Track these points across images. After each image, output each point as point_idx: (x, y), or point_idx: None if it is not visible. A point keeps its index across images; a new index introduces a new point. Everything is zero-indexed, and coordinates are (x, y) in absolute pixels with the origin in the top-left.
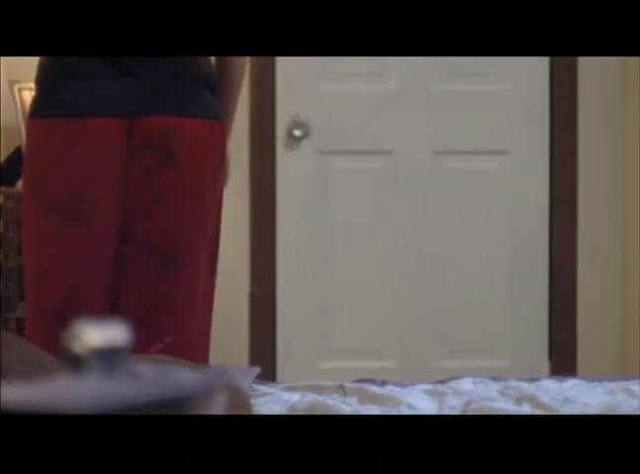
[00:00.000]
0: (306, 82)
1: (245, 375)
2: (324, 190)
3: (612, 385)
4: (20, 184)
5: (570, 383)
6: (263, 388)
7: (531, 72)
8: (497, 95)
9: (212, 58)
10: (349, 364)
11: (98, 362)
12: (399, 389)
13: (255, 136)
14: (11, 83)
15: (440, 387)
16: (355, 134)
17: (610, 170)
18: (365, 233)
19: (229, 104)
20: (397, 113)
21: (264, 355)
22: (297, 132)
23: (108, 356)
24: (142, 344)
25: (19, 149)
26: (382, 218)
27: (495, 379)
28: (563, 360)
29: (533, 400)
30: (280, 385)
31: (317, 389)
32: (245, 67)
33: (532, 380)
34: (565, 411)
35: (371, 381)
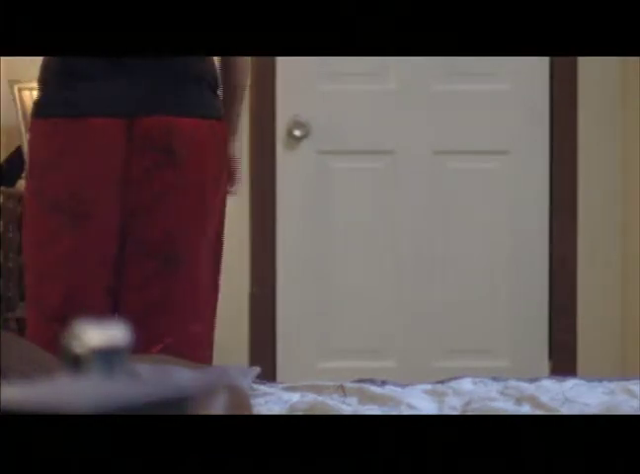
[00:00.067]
0: (306, 82)
1: (245, 375)
2: (324, 190)
3: (612, 385)
4: (20, 184)
5: (570, 383)
6: (263, 388)
7: (531, 72)
8: (497, 95)
9: (215, 59)
10: (349, 364)
11: (98, 362)
12: (399, 389)
13: (255, 136)
14: (11, 83)
15: (439, 387)
16: (355, 134)
17: (610, 170)
18: (365, 233)
19: (234, 105)
20: (397, 113)
21: (264, 355)
22: (297, 132)
23: (108, 356)
24: (143, 344)
25: (19, 149)
26: (382, 218)
27: (495, 379)
28: (563, 360)
29: (533, 400)
30: (280, 385)
31: (317, 389)
32: (249, 67)
33: (532, 380)
34: (565, 411)
35: (371, 381)
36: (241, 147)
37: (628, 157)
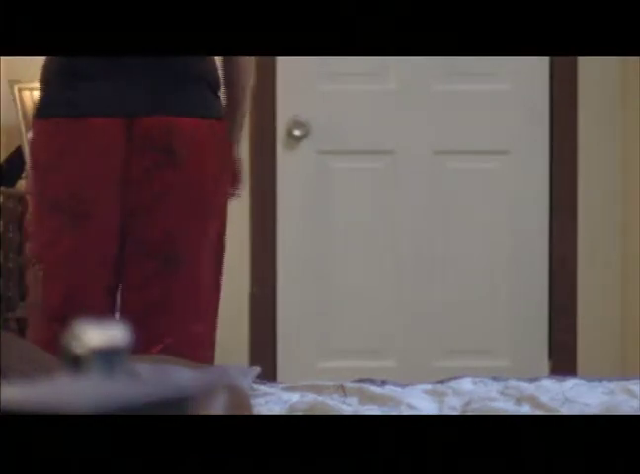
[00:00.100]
0: (306, 82)
1: (245, 375)
2: (324, 190)
3: (612, 385)
4: (20, 184)
5: (570, 383)
6: (263, 388)
7: (531, 72)
8: (497, 95)
9: (218, 59)
10: (349, 364)
11: (98, 362)
12: (399, 389)
13: (255, 136)
14: (11, 83)
15: (439, 387)
16: (355, 134)
17: (610, 170)
18: (365, 233)
19: (239, 105)
20: (397, 113)
21: (264, 355)
22: (297, 132)
23: (108, 356)
24: (143, 344)
25: (19, 149)
26: (382, 218)
27: (495, 379)
28: (563, 360)
29: (533, 400)
30: (280, 385)
31: (317, 389)
32: (253, 67)
33: (532, 380)
34: (565, 411)
35: (371, 381)
36: (240, 147)
37: (628, 157)
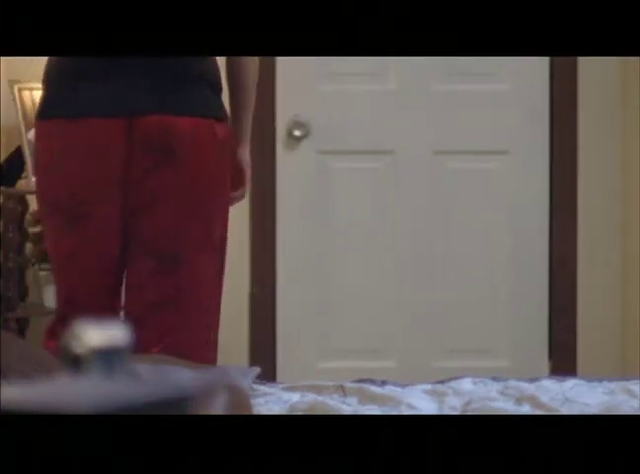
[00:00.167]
0: (306, 82)
1: (245, 375)
2: (324, 190)
3: (612, 385)
4: (20, 184)
5: (570, 383)
6: (263, 388)
7: (531, 72)
8: (497, 95)
9: (221, 60)
10: (349, 364)
11: (98, 362)
12: (399, 389)
13: (255, 136)
14: (11, 83)
15: (439, 387)
16: (355, 134)
17: (610, 170)
18: (365, 233)
19: (244, 107)
20: (397, 113)
21: (264, 355)
22: (297, 132)
23: (108, 356)
24: (143, 344)
25: (19, 149)
26: (382, 218)
27: (495, 379)
28: (563, 360)
29: (533, 400)
30: (280, 385)
31: (317, 389)
32: (256, 67)
33: (532, 380)
34: (565, 411)
35: (371, 381)
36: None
37: (628, 157)
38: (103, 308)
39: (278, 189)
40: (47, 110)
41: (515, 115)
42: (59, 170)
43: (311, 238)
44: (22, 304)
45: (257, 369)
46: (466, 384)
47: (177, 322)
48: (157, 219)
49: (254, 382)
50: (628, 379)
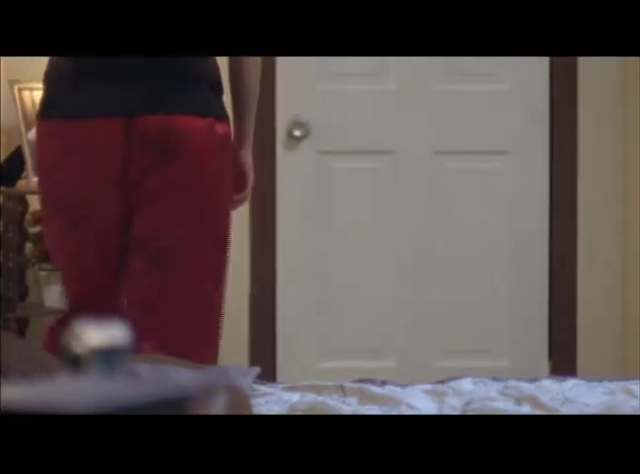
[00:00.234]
0: (306, 82)
1: (245, 375)
2: (324, 190)
3: (612, 385)
4: (20, 184)
5: (570, 383)
6: (263, 388)
7: (531, 72)
8: (497, 95)
9: (223, 60)
10: (349, 364)
11: (98, 362)
12: (399, 389)
13: (255, 136)
14: (11, 83)
15: (439, 387)
16: (355, 134)
17: (610, 170)
18: (365, 233)
19: (245, 106)
20: (397, 113)
21: (264, 355)
22: (297, 132)
23: (108, 356)
24: (137, 343)
25: (19, 149)
26: (382, 218)
27: (495, 379)
28: (563, 360)
29: (533, 400)
30: (280, 385)
31: (317, 389)
32: (259, 67)
33: (532, 380)
34: (565, 411)
35: (371, 381)
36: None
37: (628, 157)
38: (105, 308)
39: (278, 189)
40: (48, 110)
41: (515, 115)
42: (60, 170)
43: (311, 238)
44: (22, 304)
45: (257, 369)
46: (466, 384)
47: (163, 321)
48: (155, 218)
49: (254, 382)
50: (628, 379)
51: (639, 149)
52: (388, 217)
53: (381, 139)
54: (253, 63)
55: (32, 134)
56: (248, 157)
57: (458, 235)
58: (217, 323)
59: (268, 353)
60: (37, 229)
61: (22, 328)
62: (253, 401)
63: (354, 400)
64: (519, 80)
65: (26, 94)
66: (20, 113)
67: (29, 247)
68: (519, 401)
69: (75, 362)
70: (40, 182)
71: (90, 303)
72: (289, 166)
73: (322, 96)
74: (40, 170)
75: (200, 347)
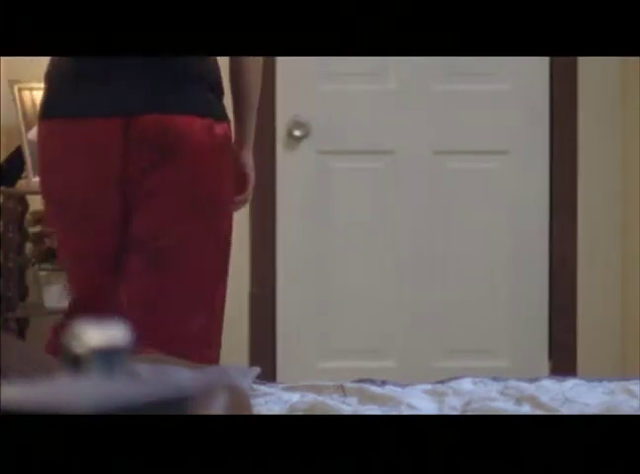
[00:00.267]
0: (306, 82)
1: (245, 375)
2: (324, 190)
3: (612, 385)
4: (20, 184)
5: (570, 383)
6: (263, 388)
7: (531, 72)
8: (497, 95)
9: (224, 61)
10: (349, 364)
11: (98, 362)
12: (399, 389)
13: (255, 136)
14: (11, 83)
15: (439, 387)
16: (355, 134)
17: (610, 170)
18: (365, 233)
19: (246, 107)
20: (397, 113)
21: (264, 355)
22: (297, 132)
23: (108, 356)
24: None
25: (19, 149)
26: (382, 218)
27: (495, 379)
28: (563, 360)
29: (533, 400)
30: (280, 385)
31: (317, 389)
32: (260, 67)
33: (532, 380)
34: (565, 411)
35: (371, 381)
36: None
37: (628, 157)
38: (106, 308)
39: (278, 189)
40: (49, 110)
41: (515, 115)
42: (61, 170)
43: (311, 238)
44: (22, 304)
45: (257, 369)
46: (466, 384)
47: (158, 320)
48: (153, 218)
49: (254, 382)
50: (628, 379)
51: (639, 149)
52: (388, 217)
53: (381, 139)
54: (254, 61)
55: (32, 134)
56: (249, 158)
57: (458, 235)
58: (218, 323)
59: (268, 353)
60: (37, 229)
61: (22, 328)
62: (253, 401)
63: (354, 400)
64: (519, 80)
65: (26, 94)
66: (20, 113)
67: (29, 247)
68: (519, 401)
69: (75, 362)
70: (42, 181)
71: (91, 303)
72: (289, 166)
73: (322, 96)
74: (41, 170)
75: (200, 347)
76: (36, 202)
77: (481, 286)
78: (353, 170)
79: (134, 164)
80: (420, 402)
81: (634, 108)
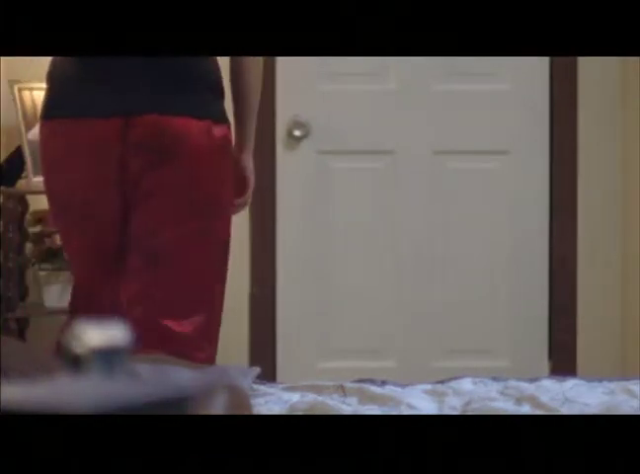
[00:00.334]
0: (306, 82)
1: (245, 375)
2: (324, 190)
3: (612, 385)
4: (20, 184)
5: (570, 383)
6: (263, 388)
7: (531, 72)
8: (497, 95)
9: (224, 62)
10: (349, 364)
11: (98, 362)
12: (399, 389)
13: (255, 136)
14: (11, 83)
15: (439, 387)
16: (355, 134)
17: (610, 170)
18: (365, 233)
19: (246, 108)
20: (397, 113)
21: (264, 355)
22: (297, 132)
23: (108, 356)
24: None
25: (19, 149)
26: (382, 218)
27: (495, 379)
28: (563, 360)
29: (533, 400)
30: (280, 385)
31: (317, 389)
32: (260, 68)
33: (532, 380)
34: (565, 411)
35: (371, 381)
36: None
37: (628, 157)
38: (106, 307)
39: (278, 189)
40: (51, 110)
41: (515, 115)
42: (63, 170)
43: (311, 238)
44: (22, 304)
45: (257, 369)
46: (466, 384)
47: (150, 317)
48: (150, 218)
49: (254, 382)
50: (628, 379)
51: (639, 149)
52: (388, 217)
53: (381, 139)
54: (254, 62)
55: (32, 134)
56: (249, 162)
57: (458, 235)
58: (215, 323)
59: (268, 353)
60: (37, 229)
61: (22, 328)
62: (253, 401)
63: (354, 400)
64: (519, 80)
65: (26, 94)
66: (20, 113)
67: (29, 247)
68: (519, 401)
69: (75, 362)
70: (45, 182)
71: (90, 301)
72: (289, 166)
73: (322, 96)
74: (44, 170)
75: (196, 346)
76: (36, 202)
77: (481, 286)
78: (353, 170)
79: (133, 164)
80: (420, 402)
81: (634, 108)
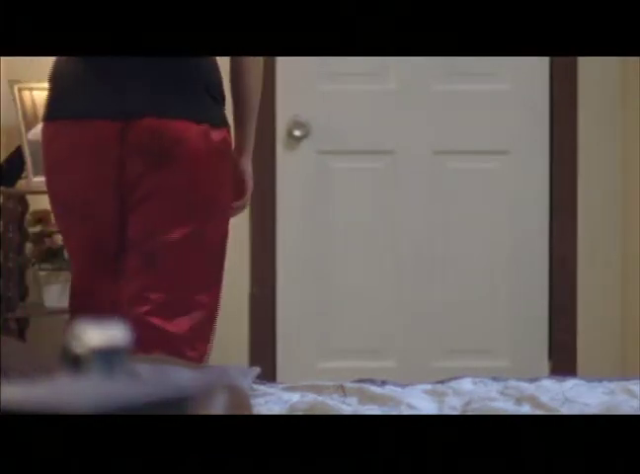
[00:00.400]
0: (306, 82)
1: (245, 375)
2: (324, 190)
3: (612, 385)
4: (20, 184)
5: (570, 383)
6: (263, 388)
7: (531, 72)
8: (497, 95)
9: (224, 68)
10: (349, 364)
11: (98, 362)
12: (399, 389)
13: (255, 136)
14: (11, 83)
15: (439, 387)
16: (355, 134)
17: (610, 170)
18: (365, 233)
19: (246, 111)
20: (397, 113)
21: (264, 355)
22: (297, 132)
23: (108, 356)
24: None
25: (19, 149)
26: (382, 218)
27: (495, 379)
28: (563, 360)
29: (533, 400)
30: (280, 385)
31: (317, 389)
32: (260, 69)
33: (532, 380)
34: (565, 411)
35: (371, 381)
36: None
37: (628, 157)
38: (104, 307)
39: (278, 189)
40: (53, 111)
41: (515, 115)
42: (64, 171)
43: (311, 238)
44: (22, 304)
45: (257, 369)
46: (466, 384)
47: (161, 318)
48: (147, 220)
49: (254, 382)
50: (628, 379)
51: (639, 149)
52: (388, 217)
53: (381, 139)
54: (254, 63)
55: (32, 134)
56: (248, 165)
57: (458, 235)
58: (209, 323)
59: (268, 353)
60: (37, 229)
61: (22, 328)
62: (253, 401)
63: (354, 400)
64: (519, 80)
65: (26, 94)
66: (20, 113)
67: (29, 247)
68: (519, 401)
69: (75, 362)
70: (48, 182)
71: (90, 301)
72: (289, 166)
73: (322, 96)
74: (46, 171)
75: (189, 346)
76: (36, 202)
77: (481, 286)
78: (353, 170)
79: (131, 166)
80: (420, 402)
81: (634, 108)
